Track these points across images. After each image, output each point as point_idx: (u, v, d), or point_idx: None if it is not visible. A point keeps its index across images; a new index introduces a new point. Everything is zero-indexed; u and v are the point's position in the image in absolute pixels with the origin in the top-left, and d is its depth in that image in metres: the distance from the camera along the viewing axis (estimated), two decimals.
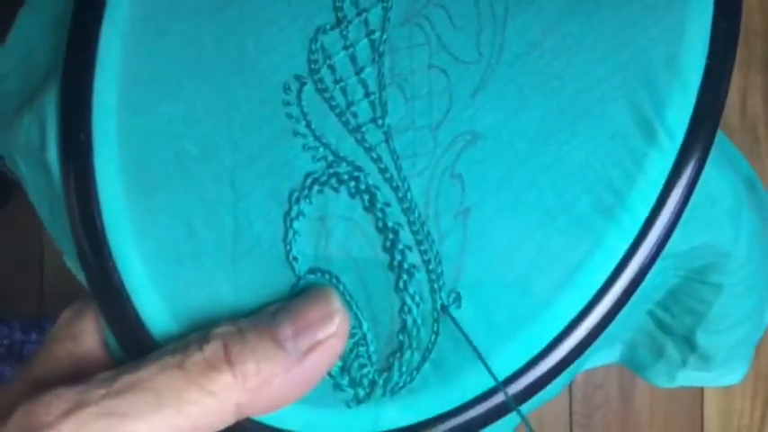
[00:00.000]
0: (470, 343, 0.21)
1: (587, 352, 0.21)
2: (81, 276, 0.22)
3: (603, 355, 0.30)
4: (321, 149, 0.21)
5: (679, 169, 0.21)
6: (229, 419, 0.19)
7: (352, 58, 0.21)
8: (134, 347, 0.21)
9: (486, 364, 0.21)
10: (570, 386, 0.80)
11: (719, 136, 0.22)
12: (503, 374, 0.21)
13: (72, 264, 0.24)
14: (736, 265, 0.24)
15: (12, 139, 0.23)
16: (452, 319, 0.21)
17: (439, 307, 0.21)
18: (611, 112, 0.21)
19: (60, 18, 0.23)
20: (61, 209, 0.22)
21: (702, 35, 0.21)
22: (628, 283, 0.21)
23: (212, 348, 0.19)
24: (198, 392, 0.19)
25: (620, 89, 0.21)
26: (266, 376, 0.19)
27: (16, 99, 0.24)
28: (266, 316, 0.20)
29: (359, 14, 0.21)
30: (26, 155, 0.23)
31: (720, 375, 0.29)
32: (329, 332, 0.20)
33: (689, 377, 0.29)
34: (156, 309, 0.21)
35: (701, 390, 0.83)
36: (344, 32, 0.21)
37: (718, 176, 0.23)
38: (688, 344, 0.28)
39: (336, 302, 0.21)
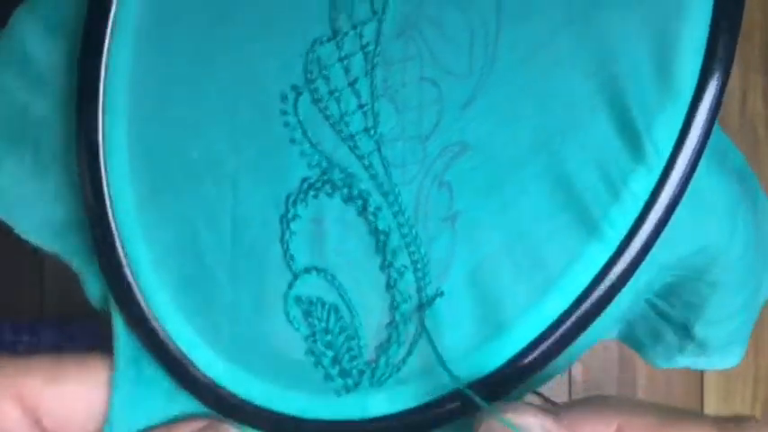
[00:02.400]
0: (436, 351, 0.22)
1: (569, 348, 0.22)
2: (50, 247, 0.24)
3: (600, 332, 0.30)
4: (316, 156, 0.22)
5: (661, 186, 0.21)
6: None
7: (347, 70, 0.22)
8: (147, 338, 0.23)
9: (446, 368, 0.22)
10: (570, 386, 0.80)
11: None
12: (484, 371, 0.22)
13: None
14: (733, 261, 0.24)
15: None
16: (427, 333, 0.22)
17: (424, 302, 0.22)
18: (602, 126, 0.21)
19: (61, 25, 0.23)
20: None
21: (697, 53, 0.21)
22: (604, 292, 0.22)
23: None
24: None
25: (612, 103, 0.21)
26: None
27: None
28: None
29: (354, 28, 0.22)
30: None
31: (718, 360, 0.29)
32: None
33: (687, 360, 0.29)
34: (169, 312, 0.23)
35: (701, 391, 0.83)
36: (340, 45, 0.22)
37: (716, 181, 0.23)
38: (686, 333, 0.28)
39: None
